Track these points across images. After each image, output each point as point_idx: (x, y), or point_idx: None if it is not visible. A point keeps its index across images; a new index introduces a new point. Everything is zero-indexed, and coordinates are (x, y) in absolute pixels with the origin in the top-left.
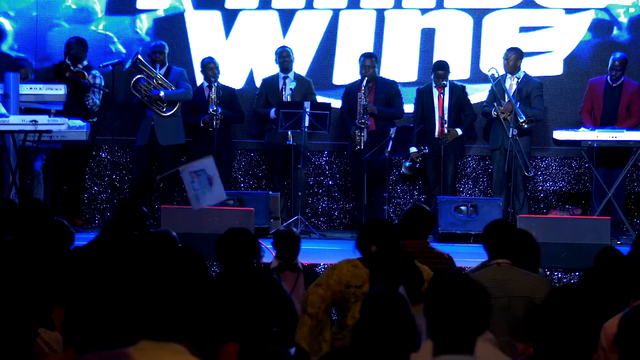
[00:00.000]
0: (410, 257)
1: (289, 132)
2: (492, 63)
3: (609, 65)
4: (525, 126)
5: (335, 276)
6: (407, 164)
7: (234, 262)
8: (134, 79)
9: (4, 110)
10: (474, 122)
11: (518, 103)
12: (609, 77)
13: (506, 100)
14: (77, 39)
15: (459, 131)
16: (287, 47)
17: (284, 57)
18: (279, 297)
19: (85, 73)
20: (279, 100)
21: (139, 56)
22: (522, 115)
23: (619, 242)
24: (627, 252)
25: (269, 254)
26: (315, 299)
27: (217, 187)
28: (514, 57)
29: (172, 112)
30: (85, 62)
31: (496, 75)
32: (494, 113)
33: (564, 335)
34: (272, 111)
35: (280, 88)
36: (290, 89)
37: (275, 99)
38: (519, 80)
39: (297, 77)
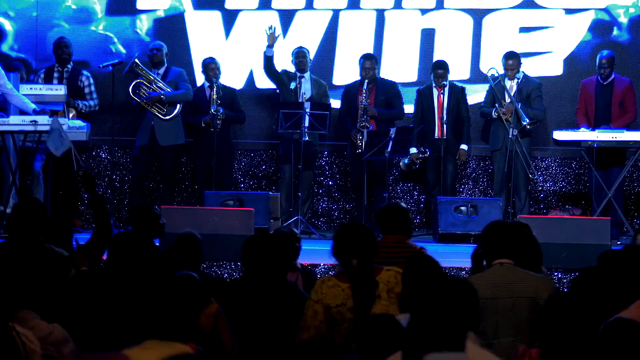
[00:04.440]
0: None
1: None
2: (492, 63)
3: (597, 65)
4: (529, 127)
5: (311, 312)
6: (406, 160)
7: (260, 265)
8: (133, 84)
9: (33, 106)
10: (470, 127)
11: (519, 104)
12: (598, 76)
13: (507, 100)
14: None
15: (465, 147)
16: (303, 47)
17: (300, 57)
18: (301, 303)
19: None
20: (292, 98)
21: (137, 60)
22: (526, 117)
23: (618, 243)
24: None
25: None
26: None
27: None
28: (515, 62)
29: (172, 115)
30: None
31: (496, 75)
32: (494, 114)
33: (571, 336)
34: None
35: (295, 86)
36: (303, 93)
37: (287, 92)
38: (519, 81)
39: (314, 80)
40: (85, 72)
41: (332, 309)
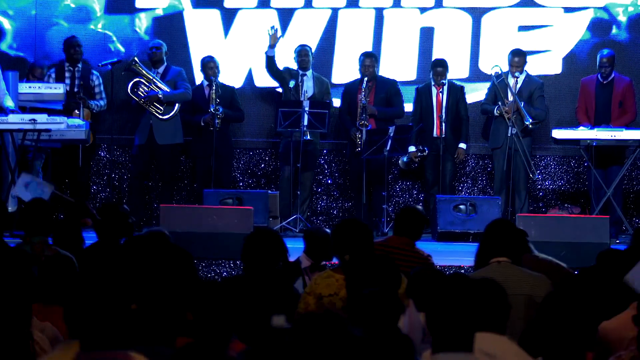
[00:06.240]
0: (387, 258)
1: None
2: (492, 62)
3: (598, 64)
4: (531, 127)
5: (302, 304)
6: (405, 159)
7: (258, 262)
8: (132, 82)
9: (11, 104)
10: (468, 126)
11: (522, 103)
12: (599, 75)
13: (510, 98)
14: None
15: (464, 146)
16: (306, 45)
17: (302, 55)
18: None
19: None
20: (295, 96)
21: (136, 59)
22: (529, 117)
23: (617, 241)
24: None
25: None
26: None
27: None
28: (521, 60)
29: (170, 114)
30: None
31: (500, 72)
32: (496, 112)
33: (561, 336)
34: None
35: (295, 85)
36: (305, 91)
37: (289, 90)
38: (522, 80)
39: (316, 77)
40: (95, 72)
41: (324, 298)
